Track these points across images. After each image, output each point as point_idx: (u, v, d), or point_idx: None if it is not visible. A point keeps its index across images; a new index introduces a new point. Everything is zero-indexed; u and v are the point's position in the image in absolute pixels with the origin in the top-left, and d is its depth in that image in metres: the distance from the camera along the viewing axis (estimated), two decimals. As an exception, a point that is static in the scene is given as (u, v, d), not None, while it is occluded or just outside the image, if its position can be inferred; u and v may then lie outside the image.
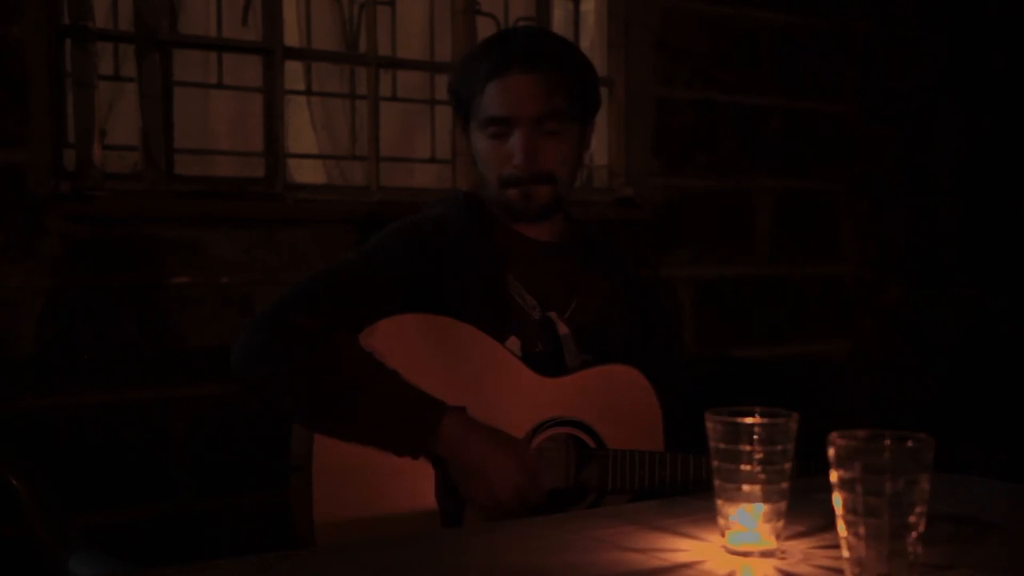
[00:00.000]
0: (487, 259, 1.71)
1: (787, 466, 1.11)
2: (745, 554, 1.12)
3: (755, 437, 1.10)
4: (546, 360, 1.70)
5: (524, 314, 1.71)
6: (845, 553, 0.99)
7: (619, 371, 1.73)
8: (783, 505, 1.12)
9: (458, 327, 1.62)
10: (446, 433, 1.52)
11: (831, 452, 0.99)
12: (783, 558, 1.11)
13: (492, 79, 1.69)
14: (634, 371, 1.74)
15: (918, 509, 0.96)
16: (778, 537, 1.12)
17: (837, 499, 0.98)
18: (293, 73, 2.95)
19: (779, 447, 1.11)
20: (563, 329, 1.73)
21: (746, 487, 1.11)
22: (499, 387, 1.63)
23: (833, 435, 0.99)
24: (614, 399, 1.71)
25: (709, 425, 1.13)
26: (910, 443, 0.98)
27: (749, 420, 1.11)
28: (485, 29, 3.16)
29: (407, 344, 1.58)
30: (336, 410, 1.53)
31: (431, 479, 1.57)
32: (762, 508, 1.11)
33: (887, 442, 0.99)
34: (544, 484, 1.60)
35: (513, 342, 1.68)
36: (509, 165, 1.71)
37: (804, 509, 1.21)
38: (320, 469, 1.52)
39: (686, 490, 1.63)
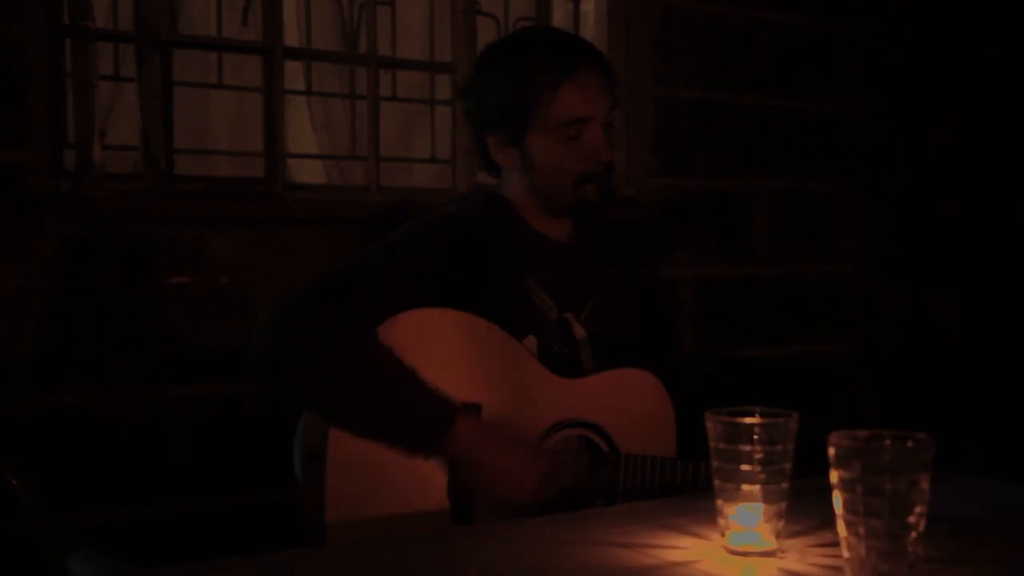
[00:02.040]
0: (507, 258, 1.73)
1: (787, 466, 1.11)
2: (745, 554, 1.12)
3: (755, 437, 1.10)
4: (562, 361, 1.72)
5: (541, 314, 1.73)
6: (845, 553, 0.99)
7: (634, 375, 1.75)
8: (783, 505, 1.12)
9: (478, 323, 1.63)
10: (458, 436, 1.53)
11: (831, 452, 0.98)
12: (783, 558, 1.11)
13: (565, 80, 1.69)
14: (649, 375, 1.75)
15: (918, 509, 0.96)
16: (778, 537, 1.12)
17: (837, 499, 0.98)
18: (293, 73, 2.95)
19: (779, 447, 1.11)
20: (580, 332, 1.75)
21: (746, 487, 1.11)
22: (516, 385, 1.64)
23: (833, 435, 0.99)
24: (628, 403, 1.73)
25: (709, 425, 1.13)
26: (910, 443, 0.98)
27: (749, 420, 1.11)
28: (485, 29, 3.16)
29: (426, 338, 1.59)
30: (351, 407, 1.54)
31: (444, 477, 1.58)
32: (762, 508, 1.11)
33: (887, 442, 0.98)
34: (557, 484, 1.60)
35: (531, 341, 1.70)
36: (587, 162, 1.72)
37: (804, 509, 1.21)
38: (334, 459, 1.53)
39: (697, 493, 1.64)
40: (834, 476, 0.98)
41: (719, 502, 1.13)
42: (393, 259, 1.65)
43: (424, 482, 1.57)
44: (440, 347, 1.59)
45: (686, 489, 1.64)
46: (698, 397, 1.70)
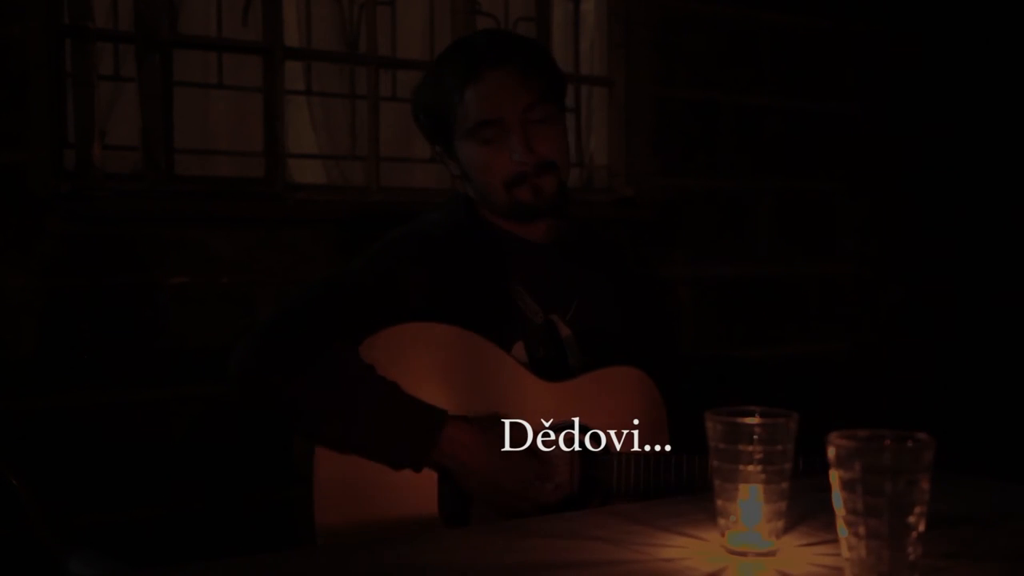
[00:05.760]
0: (489, 265, 1.70)
1: (787, 466, 1.11)
2: (744, 554, 1.12)
3: (755, 437, 1.10)
4: (550, 365, 1.69)
5: (527, 320, 1.70)
6: (845, 553, 0.99)
7: (623, 373, 1.71)
8: (783, 505, 1.12)
9: (462, 335, 1.60)
10: (448, 443, 1.51)
11: (831, 452, 0.98)
12: (783, 558, 1.11)
13: (467, 85, 1.66)
14: (637, 371, 1.72)
15: (918, 509, 0.96)
16: (778, 537, 1.12)
17: (837, 499, 0.98)
18: (293, 73, 2.95)
19: (779, 447, 1.10)
20: (565, 331, 1.72)
21: (746, 487, 1.11)
22: (503, 393, 1.61)
23: (833, 435, 0.99)
24: (618, 401, 1.69)
25: (709, 425, 1.13)
26: (910, 443, 0.98)
27: (749, 420, 1.11)
28: (485, 29, 3.16)
29: (410, 354, 1.57)
30: (334, 425, 1.51)
31: (434, 492, 1.56)
32: (762, 508, 1.11)
33: (887, 442, 0.98)
34: (552, 487, 1.59)
35: (519, 348, 1.67)
36: (511, 165, 1.68)
37: (804, 509, 1.21)
38: (322, 479, 1.51)
39: (693, 489, 1.62)
40: (834, 476, 0.98)
41: (719, 502, 1.13)
42: (373, 276, 1.63)
43: (414, 499, 1.54)
44: (422, 362, 1.57)
45: (682, 482, 1.63)
46: (698, 397, 1.70)
